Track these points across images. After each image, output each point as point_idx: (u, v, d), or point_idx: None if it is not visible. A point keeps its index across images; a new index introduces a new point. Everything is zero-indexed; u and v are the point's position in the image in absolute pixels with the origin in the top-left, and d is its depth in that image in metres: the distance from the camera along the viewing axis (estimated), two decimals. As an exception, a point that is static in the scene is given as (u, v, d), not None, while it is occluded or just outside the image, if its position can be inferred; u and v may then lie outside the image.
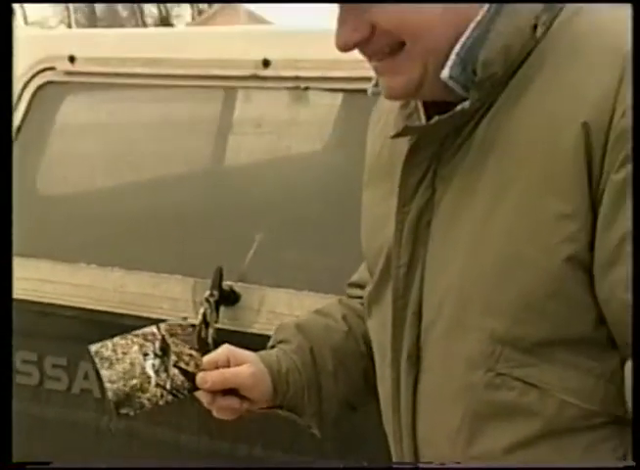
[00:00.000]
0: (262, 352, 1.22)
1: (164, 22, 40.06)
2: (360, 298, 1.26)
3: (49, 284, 1.99)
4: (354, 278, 1.33)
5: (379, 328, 1.13)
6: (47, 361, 2.00)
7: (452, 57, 0.94)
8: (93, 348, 1.15)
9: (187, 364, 1.15)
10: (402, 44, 0.95)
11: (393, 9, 0.92)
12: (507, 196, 0.94)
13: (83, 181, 2.46)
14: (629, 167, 0.86)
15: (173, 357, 1.15)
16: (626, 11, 0.96)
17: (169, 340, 1.16)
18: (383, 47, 0.96)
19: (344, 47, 0.97)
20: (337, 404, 1.24)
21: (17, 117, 2.10)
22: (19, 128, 2.10)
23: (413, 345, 1.04)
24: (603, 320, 0.92)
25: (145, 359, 1.14)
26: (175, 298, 1.82)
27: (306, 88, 1.83)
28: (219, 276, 1.72)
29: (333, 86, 1.83)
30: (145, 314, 1.81)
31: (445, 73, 0.94)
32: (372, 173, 1.18)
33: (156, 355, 1.14)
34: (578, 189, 0.89)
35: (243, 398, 1.15)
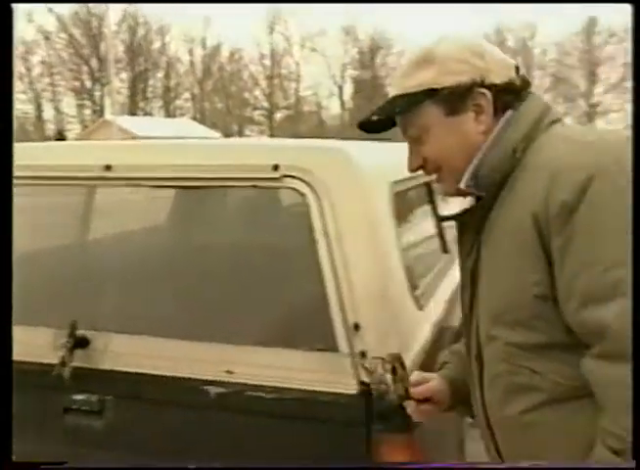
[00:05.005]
0: (439, 372, 1.33)
1: (60, 132, 38.01)
2: None
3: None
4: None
5: (465, 342, 1.23)
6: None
7: (466, 175, 1.11)
8: None
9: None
10: (441, 167, 1.15)
11: (436, 149, 1.13)
12: (503, 258, 1.07)
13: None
14: (562, 236, 0.98)
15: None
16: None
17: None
18: (430, 168, 1.16)
19: (412, 170, 1.18)
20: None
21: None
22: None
23: (477, 348, 1.15)
24: (571, 330, 1.01)
25: None
26: (39, 344, 1.61)
27: (139, 185, 1.65)
28: (73, 327, 1.54)
29: (160, 184, 1.66)
30: (20, 358, 1.55)
31: (462, 184, 1.12)
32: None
33: None
34: (535, 252, 1.01)
35: (433, 404, 1.27)
